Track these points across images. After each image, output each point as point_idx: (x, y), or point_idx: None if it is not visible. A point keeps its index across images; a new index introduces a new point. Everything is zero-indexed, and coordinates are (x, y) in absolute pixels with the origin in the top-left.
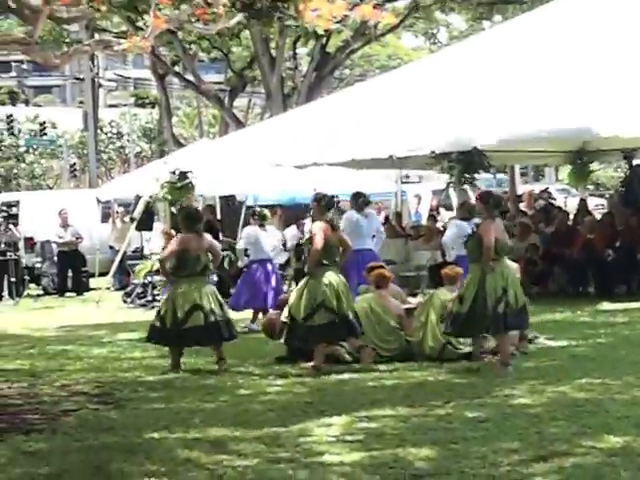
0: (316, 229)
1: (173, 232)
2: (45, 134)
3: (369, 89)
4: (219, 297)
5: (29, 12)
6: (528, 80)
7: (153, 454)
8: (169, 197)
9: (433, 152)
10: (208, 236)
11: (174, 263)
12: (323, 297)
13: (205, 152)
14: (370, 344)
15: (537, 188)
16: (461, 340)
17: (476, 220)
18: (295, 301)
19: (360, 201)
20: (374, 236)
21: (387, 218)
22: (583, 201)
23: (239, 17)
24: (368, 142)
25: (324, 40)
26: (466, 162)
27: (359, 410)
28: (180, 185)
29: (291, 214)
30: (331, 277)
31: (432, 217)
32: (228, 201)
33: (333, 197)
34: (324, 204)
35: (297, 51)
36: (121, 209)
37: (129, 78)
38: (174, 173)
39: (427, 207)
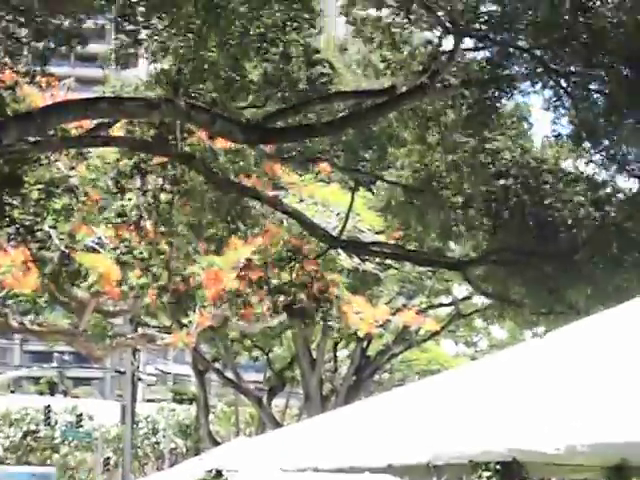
0: None
1: None
2: (81, 426)
3: (408, 393)
4: None
5: (76, 304)
6: (567, 391)
7: None
8: None
9: (471, 461)
10: None
11: None
12: None
13: (241, 451)
14: None
15: None
16: None
17: None
18: None
19: None
20: None
21: None
22: None
23: (282, 317)
24: (406, 448)
25: (365, 343)
26: (504, 473)
27: None
28: None
29: None
30: None
31: None
32: None
33: None
34: None
35: (337, 353)
36: None
37: (169, 373)
38: (210, 471)
39: None
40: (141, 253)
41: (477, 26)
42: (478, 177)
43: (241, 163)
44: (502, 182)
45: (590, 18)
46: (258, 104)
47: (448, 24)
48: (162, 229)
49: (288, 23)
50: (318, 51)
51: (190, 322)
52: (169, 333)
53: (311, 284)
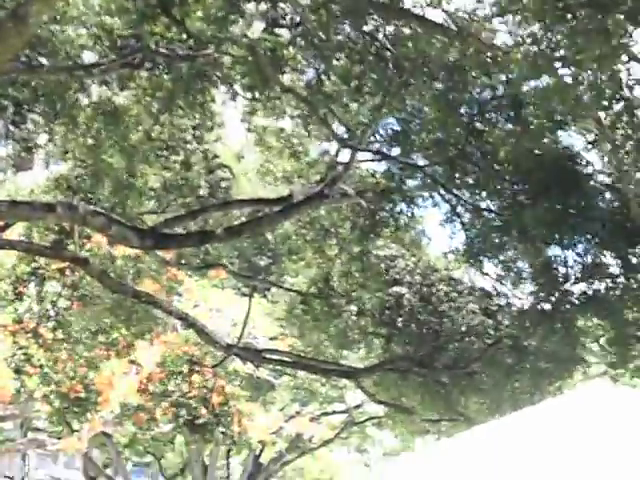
0: None
1: None
2: None
3: None
4: None
5: None
6: None
7: None
8: None
9: None
10: None
11: None
12: None
13: None
14: None
15: None
16: None
17: None
18: None
19: None
20: None
21: None
22: None
23: (175, 424)
24: None
25: (258, 450)
26: None
27: None
28: None
29: None
30: None
31: None
32: None
33: None
34: None
35: (230, 460)
36: None
37: (59, 478)
38: None
39: None
40: (39, 360)
41: (373, 140)
42: (372, 285)
43: (138, 267)
44: (396, 290)
45: (481, 140)
46: (158, 210)
47: (344, 137)
48: (60, 335)
49: (190, 130)
50: (217, 156)
51: (81, 427)
52: (60, 438)
53: (211, 397)
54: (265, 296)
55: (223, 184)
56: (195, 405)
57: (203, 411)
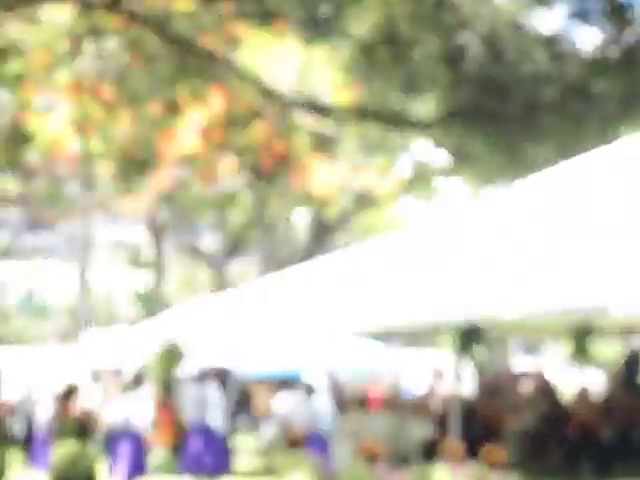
0: None
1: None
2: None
3: (365, 255)
4: None
5: (28, 169)
6: (529, 252)
7: None
8: (160, 362)
9: (433, 326)
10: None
11: None
12: None
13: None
14: None
15: (533, 362)
16: None
17: None
18: None
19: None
20: None
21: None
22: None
23: (240, 181)
24: (370, 312)
25: (323, 206)
26: (465, 335)
27: None
28: (171, 351)
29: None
30: None
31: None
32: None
33: None
34: None
35: (295, 217)
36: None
37: (124, 238)
38: (166, 338)
39: (424, 381)
40: (99, 118)
41: None
42: (438, 30)
43: (197, 22)
44: (462, 36)
45: None
46: None
47: None
48: (119, 92)
49: None
50: None
51: (144, 187)
52: (124, 198)
53: (272, 145)
54: (329, 45)
55: None
56: (256, 151)
57: (265, 159)
